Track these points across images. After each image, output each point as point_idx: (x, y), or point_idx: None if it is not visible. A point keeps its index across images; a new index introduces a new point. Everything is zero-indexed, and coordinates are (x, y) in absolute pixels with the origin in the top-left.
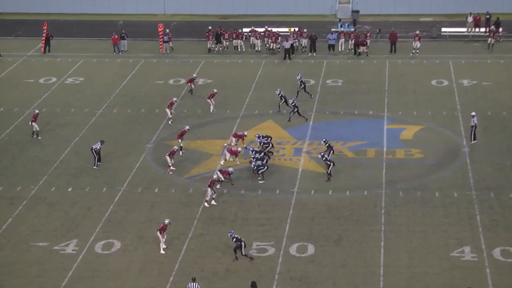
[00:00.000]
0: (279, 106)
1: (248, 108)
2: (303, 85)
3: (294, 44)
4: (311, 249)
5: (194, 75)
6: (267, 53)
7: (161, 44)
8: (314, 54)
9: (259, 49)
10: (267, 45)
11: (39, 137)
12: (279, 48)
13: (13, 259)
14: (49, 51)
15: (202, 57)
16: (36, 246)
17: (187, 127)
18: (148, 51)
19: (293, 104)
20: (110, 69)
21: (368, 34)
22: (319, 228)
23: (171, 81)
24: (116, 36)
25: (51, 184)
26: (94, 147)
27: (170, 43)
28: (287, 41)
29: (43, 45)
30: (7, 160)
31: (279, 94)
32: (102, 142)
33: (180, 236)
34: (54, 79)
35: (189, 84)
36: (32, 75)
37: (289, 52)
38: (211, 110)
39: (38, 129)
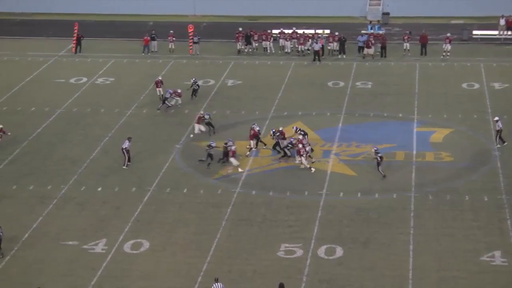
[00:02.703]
0: None
1: (277, 109)
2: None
3: (327, 47)
4: (339, 252)
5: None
6: (296, 55)
7: (190, 45)
8: (344, 56)
9: (289, 50)
10: (296, 47)
11: None
12: (308, 50)
13: (43, 258)
14: (80, 51)
15: (231, 58)
16: (66, 245)
17: (204, 115)
18: (178, 52)
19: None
20: (140, 70)
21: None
22: (348, 231)
23: (200, 82)
24: (148, 37)
25: (81, 183)
26: (124, 146)
27: (172, 44)
28: (317, 43)
29: (74, 45)
30: (38, 160)
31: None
32: (129, 139)
33: (208, 236)
34: (84, 79)
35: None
36: (63, 75)
37: (319, 54)
38: (196, 131)
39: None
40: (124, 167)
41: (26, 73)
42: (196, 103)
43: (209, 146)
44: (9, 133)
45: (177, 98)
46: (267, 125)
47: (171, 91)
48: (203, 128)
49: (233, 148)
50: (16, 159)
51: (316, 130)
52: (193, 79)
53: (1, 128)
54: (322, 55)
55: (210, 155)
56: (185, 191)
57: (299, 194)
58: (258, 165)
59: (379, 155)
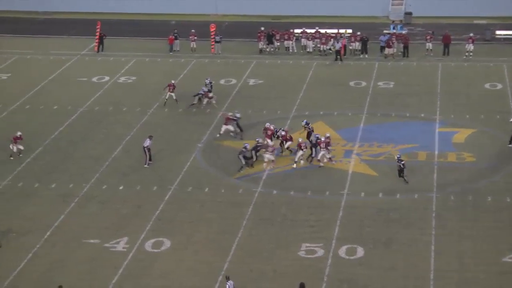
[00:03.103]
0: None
1: (299, 109)
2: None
3: (349, 47)
4: (360, 252)
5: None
6: (318, 54)
7: (212, 45)
8: (366, 56)
9: (311, 50)
10: (318, 47)
11: (20, 155)
12: (330, 49)
13: (64, 256)
14: (102, 50)
15: (253, 57)
16: (88, 243)
17: (234, 115)
18: (200, 51)
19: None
20: (162, 69)
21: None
22: (369, 231)
23: (222, 81)
24: (172, 36)
25: (102, 182)
26: (145, 145)
27: (194, 43)
28: (338, 42)
29: (96, 44)
30: (60, 158)
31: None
32: (150, 137)
33: (229, 236)
34: (107, 78)
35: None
36: (85, 73)
37: (340, 53)
38: (222, 132)
39: (22, 148)
40: (145, 165)
41: (49, 72)
42: (218, 103)
43: (245, 148)
44: (22, 139)
45: (208, 99)
46: (288, 125)
47: (204, 91)
48: (231, 128)
49: (270, 143)
50: (39, 157)
51: (337, 130)
52: (208, 79)
53: (20, 135)
54: (344, 54)
55: (245, 157)
56: (206, 190)
57: (320, 194)
58: (279, 164)
59: (402, 162)
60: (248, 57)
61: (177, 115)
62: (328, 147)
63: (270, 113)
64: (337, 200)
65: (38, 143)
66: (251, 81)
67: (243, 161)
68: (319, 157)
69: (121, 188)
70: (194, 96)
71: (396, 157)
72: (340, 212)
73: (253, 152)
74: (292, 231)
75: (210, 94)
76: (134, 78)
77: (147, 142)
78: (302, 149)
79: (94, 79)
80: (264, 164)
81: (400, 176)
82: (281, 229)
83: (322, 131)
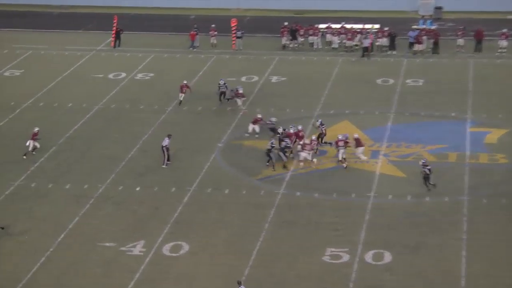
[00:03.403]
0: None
1: (324, 107)
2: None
3: (376, 43)
4: (387, 257)
5: (185, 82)
6: (344, 51)
7: (233, 40)
8: (394, 53)
9: (336, 46)
10: (344, 43)
11: (34, 153)
12: (357, 45)
13: (79, 259)
14: (119, 45)
15: (276, 53)
16: (103, 246)
17: (259, 115)
18: (220, 47)
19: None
20: (181, 65)
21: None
22: (397, 235)
23: (243, 79)
24: (194, 31)
25: (118, 182)
26: (164, 144)
27: (214, 39)
28: (366, 38)
29: (113, 39)
30: (75, 157)
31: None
32: (169, 136)
33: (250, 239)
34: (123, 75)
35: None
36: (101, 70)
37: (368, 50)
38: (250, 131)
39: (38, 146)
40: (163, 166)
41: (63, 68)
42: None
43: (272, 146)
44: (39, 138)
45: (237, 99)
46: (311, 124)
47: (234, 91)
48: (257, 129)
49: (301, 142)
50: (52, 156)
51: (364, 130)
52: (221, 80)
53: (37, 131)
54: (372, 51)
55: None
56: (226, 191)
57: (346, 196)
58: (303, 165)
59: (427, 167)
60: (271, 54)
61: (196, 113)
62: (338, 147)
63: (293, 111)
64: (364, 203)
65: (52, 142)
66: (274, 79)
67: (283, 156)
68: (340, 158)
69: (137, 189)
70: (227, 99)
71: (421, 162)
72: (366, 215)
73: (281, 153)
74: (316, 234)
75: (240, 91)
76: (151, 74)
77: (166, 141)
78: (340, 147)
79: (111, 76)
80: (301, 163)
81: (425, 183)
82: (305, 232)
83: (348, 131)
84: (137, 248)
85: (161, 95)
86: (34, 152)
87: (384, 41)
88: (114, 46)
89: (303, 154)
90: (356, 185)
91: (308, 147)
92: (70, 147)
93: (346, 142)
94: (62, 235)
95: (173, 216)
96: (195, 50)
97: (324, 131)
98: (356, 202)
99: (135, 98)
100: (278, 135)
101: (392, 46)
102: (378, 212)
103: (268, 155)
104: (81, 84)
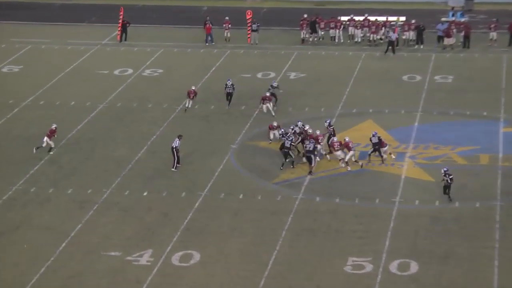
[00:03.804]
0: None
1: (345, 106)
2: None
3: (403, 36)
4: (414, 267)
5: (193, 88)
6: (367, 45)
7: (249, 34)
8: (421, 47)
9: (359, 40)
10: (368, 36)
11: (51, 152)
12: (381, 39)
13: (82, 269)
14: (125, 39)
15: (294, 48)
16: (108, 255)
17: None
18: (234, 41)
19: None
20: (192, 60)
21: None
22: (424, 243)
23: (259, 75)
24: (210, 24)
25: (124, 187)
26: (174, 146)
27: (228, 32)
28: (393, 32)
29: (119, 32)
30: (78, 160)
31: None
32: (180, 137)
33: (266, 248)
34: (130, 71)
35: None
36: (106, 65)
37: (393, 44)
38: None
39: (52, 145)
40: (173, 169)
41: (66, 63)
42: (254, 98)
43: (291, 144)
44: (55, 136)
45: (267, 105)
46: (333, 123)
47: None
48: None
49: (335, 139)
50: (54, 159)
51: (388, 130)
52: (228, 80)
53: (55, 127)
54: (397, 45)
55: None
56: (241, 196)
57: (369, 202)
58: (323, 168)
59: (450, 177)
60: (289, 48)
61: (209, 112)
62: (336, 148)
63: (312, 110)
64: (388, 209)
65: (53, 144)
66: (292, 75)
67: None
68: (350, 159)
69: (145, 194)
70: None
71: (442, 171)
72: (391, 222)
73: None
74: (337, 243)
75: (268, 94)
76: (160, 70)
77: (176, 143)
78: (351, 149)
79: (116, 72)
80: (341, 164)
81: (445, 193)
82: (325, 240)
83: (371, 131)
84: (145, 258)
85: (170, 92)
86: (51, 152)
87: (411, 34)
88: (120, 40)
89: (338, 153)
90: (380, 189)
91: (336, 144)
92: (73, 149)
93: (342, 144)
94: (64, 244)
95: (183, 223)
96: (211, 44)
97: (333, 132)
98: (380, 208)
99: (143, 96)
100: (301, 136)
101: (419, 40)
102: (403, 218)
103: (288, 154)
104: (84, 81)
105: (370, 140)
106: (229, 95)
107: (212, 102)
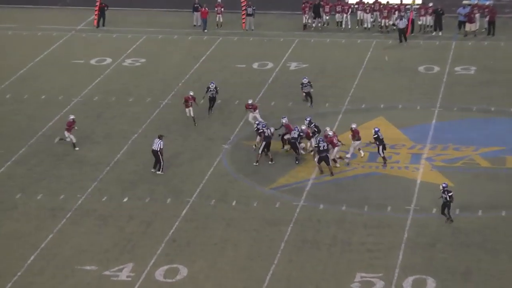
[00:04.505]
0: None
1: (353, 101)
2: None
3: (418, 22)
4: (431, 284)
5: (191, 93)
6: (378, 31)
7: (243, 18)
8: (440, 34)
9: (369, 26)
10: (379, 22)
11: (77, 148)
12: (394, 25)
13: (54, 286)
14: (103, 24)
15: (295, 35)
16: (83, 270)
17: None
18: (227, 26)
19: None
20: (179, 49)
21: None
22: (442, 258)
23: (255, 65)
24: (205, 8)
25: (102, 192)
26: (155, 148)
27: (220, 16)
28: (401, 19)
29: (96, 17)
30: (49, 161)
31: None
32: (160, 137)
33: (263, 262)
34: (108, 60)
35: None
36: (81, 54)
37: (405, 33)
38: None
39: (74, 140)
40: (158, 172)
41: (36, 52)
42: (248, 93)
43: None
44: (76, 128)
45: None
46: (339, 121)
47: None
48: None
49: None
50: (21, 160)
51: (402, 128)
52: (211, 83)
53: (73, 119)
54: (412, 32)
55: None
56: (234, 203)
57: (380, 210)
58: (328, 171)
59: (449, 194)
60: (289, 35)
61: (198, 108)
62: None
63: (316, 106)
64: (402, 218)
65: (21, 143)
66: (293, 65)
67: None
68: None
69: (125, 200)
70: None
71: (441, 186)
72: (405, 233)
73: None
74: (343, 257)
75: (250, 101)
76: (143, 60)
77: (158, 144)
78: (336, 145)
79: (93, 62)
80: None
81: (443, 213)
82: (330, 254)
83: (383, 129)
84: (124, 273)
85: (154, 85)
86: (76, 148)
87: (428, 19)
88: (98, 26)
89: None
90: (393, 196)
91: (335, 139)
92: (43, 149)
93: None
94: (32, 257)
95: (169, 233)
96: (205, 31)
97: (316, 129)
98: (393, 217)
99: (123, 89)
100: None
101: (437, 26)
102: (419, 229)
103: (296, 145)
104: (57, 71)
105: (375, 139)
106: (212, 100)
107: (201, 96)
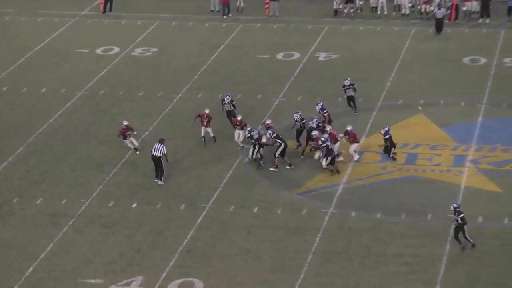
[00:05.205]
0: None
1: (389, 96)
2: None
3: (463, 8)
4: None
5: (207, 111)
6: (418, 18)
7: (267, 3)
8: (487, 21)
9: (407, 11)
10: (418, 7)
11: (138, 152)
12: (435, 12)
13: None
14: (110, 10)
15: (324, 22)
16: (86, 283)
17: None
18: (249, 12)
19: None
20: (194, 37)
21: None
22: (489, 272)
23: (280, 56)
24: None
25: (108, 197)
26: (156, 153)
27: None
28: (439, 8)
29: (102, 1)
30: (50, 162)
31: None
32: (162, 141)
33: (288, 275)
34: (116, 50)
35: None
36: (86, 43)
37: (441, 24)
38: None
39: (136, 144)
40: (160, 182)
41: (35, 40)
42: (272, 86)
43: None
44: (135, 132)
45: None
46: (373, 119)
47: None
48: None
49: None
50: (19, 161)
51: (444, 127)
52: (227, 96)
53: (127, 125)
54: (455, 19)
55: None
56: (255, 210)
57: (419, 218)
58: (360, 175)
59: (460, 216)
60: (318, 21)
61: (215, 103)
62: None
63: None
64: (444, 227)
65: (18, 142)
66: (322, 56)
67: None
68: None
69: (134, 205)
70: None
71: (452, 207)
72: (447, 244)
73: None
74: (378, 270)
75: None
76: (154, 49)
77: (159, 150)
78: (338, 140)
79: (99, 51)
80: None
81: (456, 238)
82: (363, 267)
83: (423, 128)
84: (133, 287)
85: (167, 77)
86: (138, 152)
87: (474, 5)
88: (104, 11)
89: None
90: (434, 202)
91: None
92: (43, 148)
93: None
94: (31, 269)
95: (182, 243)
96: (229, 17)
97: (326, 118)
98: (434, 226)
99: (132, 82)
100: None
101: (484, 13)
102: (463, 240)
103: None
104: (59, 62)
105: (385, 140)
106: (229, 116)
107: (219, 90)
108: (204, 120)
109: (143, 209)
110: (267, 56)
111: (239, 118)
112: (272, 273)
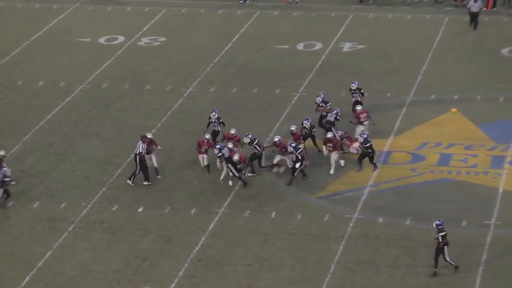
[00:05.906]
0: None
1: (421, 90)
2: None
3: None
4: None
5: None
6: (453, 5)
7: None
8: None
9: None
10: None
11: (159, 176)
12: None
13: None
14: None
15: (350, 9)
16: None
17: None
18: None
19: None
20: (206, 25)
21: None
22: None
23: (300, 46)
24: None
25: (111, 200)
26: (139, 151)
27: None
28: (476, 1)
29: None
30: (48, 161)
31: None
32: (143, 138)
33: (308, 287)
34: (121, 39)
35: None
36: (88, 31)
37: (476, 16)
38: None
39: (155, 164)
40: (129, 182)
41: (32, 28)
42: (290, 79)
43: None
44: (159, 147)
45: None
46: (403, 115)
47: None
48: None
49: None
50: (15, 160)
51: (480, 124)
52: (213, 112)
53: (151, 139)
54: (493, 7)
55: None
56: (273, 215)
57: (453, 225)
58: (388, 177)
59: (441, 234)
60: (342, 9)
61: (230, 98)
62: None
63: (375, 96)
64: (480, 234)
65: (13, 140)
66: (346, 46)
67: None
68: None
69: (140, 210)
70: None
71: (434, 224)
72: (484, 253)
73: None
74: (407, 281)
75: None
76: (163, 39)
77: (141, 148)
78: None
79: (102, 40)
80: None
81: (436, 260)
82: (391, 278)
83: (457, 125)
84: None
85: (176, 70)
86: (158, 176)
87: None
88: None
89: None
90: (469, 208)
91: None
92: (41, 147)
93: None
94: (28, 278)
95: (193, 251)
96: (246, 2)
97: (325, 111)
98: (469, 233)
99: (138, 74)
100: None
101: None
102: (501, 249)
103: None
104: (58, 52)
105: (366, 148)
106: (214, 134)
107: (233, 83)
108: (202, 146)
109: (150, 214)
110: (286, 46)
111: (232, 132)
112: (291, 285)
